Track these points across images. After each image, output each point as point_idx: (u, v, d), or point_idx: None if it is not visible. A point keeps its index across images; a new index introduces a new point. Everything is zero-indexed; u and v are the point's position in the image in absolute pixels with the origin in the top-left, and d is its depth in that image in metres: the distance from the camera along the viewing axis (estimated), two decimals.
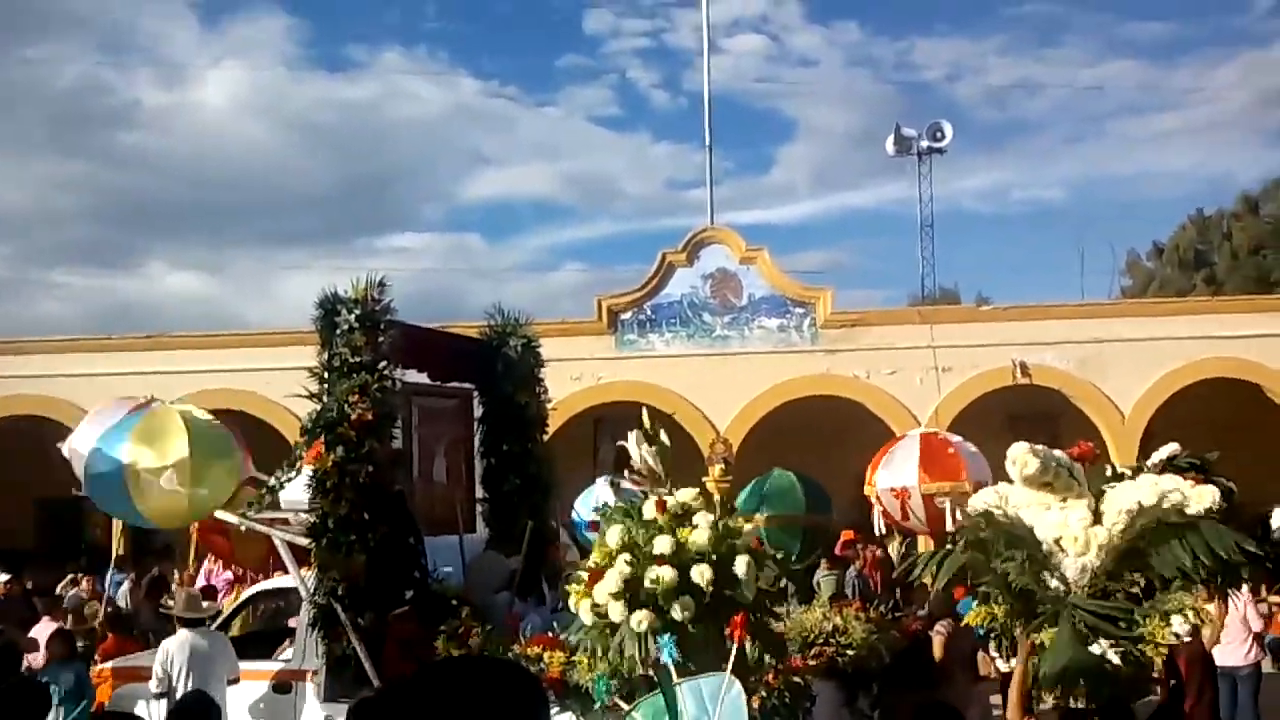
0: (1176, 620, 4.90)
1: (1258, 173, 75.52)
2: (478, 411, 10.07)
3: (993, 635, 5.74)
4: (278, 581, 9.94)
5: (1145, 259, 50.03)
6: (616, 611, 6.35)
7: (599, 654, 6.68)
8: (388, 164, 75.19)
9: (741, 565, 6.31)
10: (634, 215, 79.88)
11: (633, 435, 7.58)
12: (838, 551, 13.97)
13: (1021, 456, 5.19)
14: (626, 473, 8.59)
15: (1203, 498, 5.05)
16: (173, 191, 68.34)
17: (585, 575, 6.80)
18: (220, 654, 9.02)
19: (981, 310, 22.05)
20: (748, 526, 7.32)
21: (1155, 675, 5.26)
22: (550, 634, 7.87)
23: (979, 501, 5.56)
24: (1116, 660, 4.82)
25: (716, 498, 7.30)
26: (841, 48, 78.13)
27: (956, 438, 13.10)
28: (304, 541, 8.37)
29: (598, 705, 6.52)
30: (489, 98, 78.31)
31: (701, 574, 6.22)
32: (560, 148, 78.16)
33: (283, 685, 8.95)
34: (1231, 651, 10.31)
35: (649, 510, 6.74)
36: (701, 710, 5.04)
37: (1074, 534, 5.08)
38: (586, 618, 6.68)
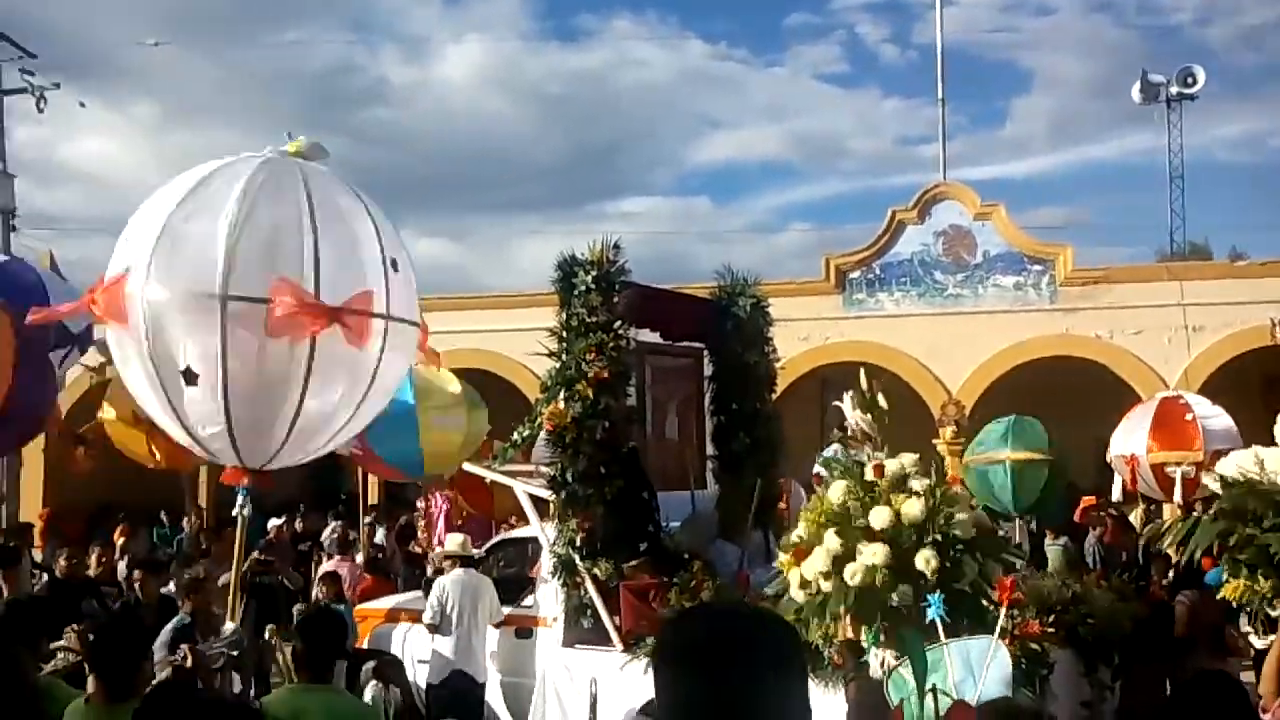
0: None
1: None
2: (708, 370, 10.23)
3: (1247, 609, 5.46)
4: (521, 531, 10.41)
5: None
6: (829, 587, 6.35)
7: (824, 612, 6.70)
8: (617, 130, 76.63)
9: (961, 529, 6.19)
10: (862, 173, 78.62)
11: (847, 396, 7.54)
12: (1077, 518, 13.55)
13: None
14: (838, 433, 8.59)
15: None
16: (419, 164, 71.52)
17: (794, 543, 6.81)
18: (488, 595, 9.55)
19: (1236, 266, 20.73)
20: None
21: None
22: None
23: (1232, 468, 5.28)
24: None
25: (948, 460, 7.17)
26: None
27: (1203, 403, 12.32)
28: (545, 494, 8.74)
29: (867, 657, 6.41)
30: (717, 60, 78.43)
31: (927, 562, 6.13)
32: (787, 108, 77.72)
33: (524, 630, 9.40)
34: None
35: (870, 472, 6.73)
36: (967, 672, 4.97)
37: None
38: (797, 594, 6.69)
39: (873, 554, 6.06)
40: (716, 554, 8.91)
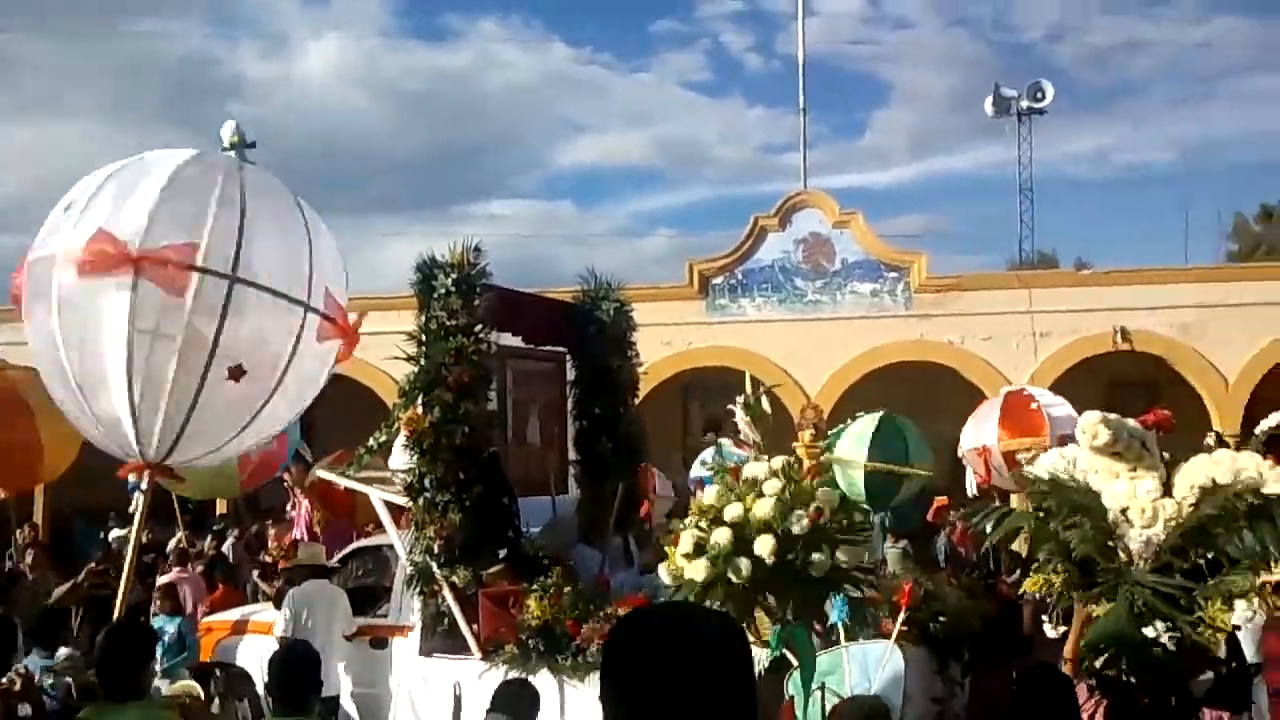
0: (1240, 605, 4.71)
1: None
2: (570, 374, 10.18)
3: (1048, 602, 5.64)
4: (377, 539, 10.20)
5: (1253, 222, 48.38)
6: (692, 570, 6.41)
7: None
8: (482, 132, 76.09)
9: (797, 526, 6.31)
10: (726, 181, 79.57)
11: (738, 400, 7.62)
12: (930, 518, 13.88)
13: (1092, 426, 5.05)
14: (727, 439, 8.66)
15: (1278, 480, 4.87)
16: (276, 161, 69.69)
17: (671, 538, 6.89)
18: (340, 606, 9.33)
19: (1081, 274, 21.58)
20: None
21: (1215, 657, 5.05)
22: (640, 593, 7.99)
23: (1045, 465, 5.44)
24: (1170, 645, 4.66)
25: (807, 464, 7.28)
26: (938, 8, 76.64)
27: (1045, 394, 12.68)
28: (402, 500, 8.57)
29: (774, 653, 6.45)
30: (582, 65, 78.61)
31: (764, 544, 6.24)
32: (653, 114, 78.28)
33: (379, 641, 9.20)
34: None
35: (749, 471, 6.80)
36: (864, 676, 5.00)
37: (1141, 505, 4.94)
38: (665, 577, 6.76)
39: (719, 536, 6.14)
40: (577, 558, 8.86)
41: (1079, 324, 19.26)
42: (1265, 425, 9.09)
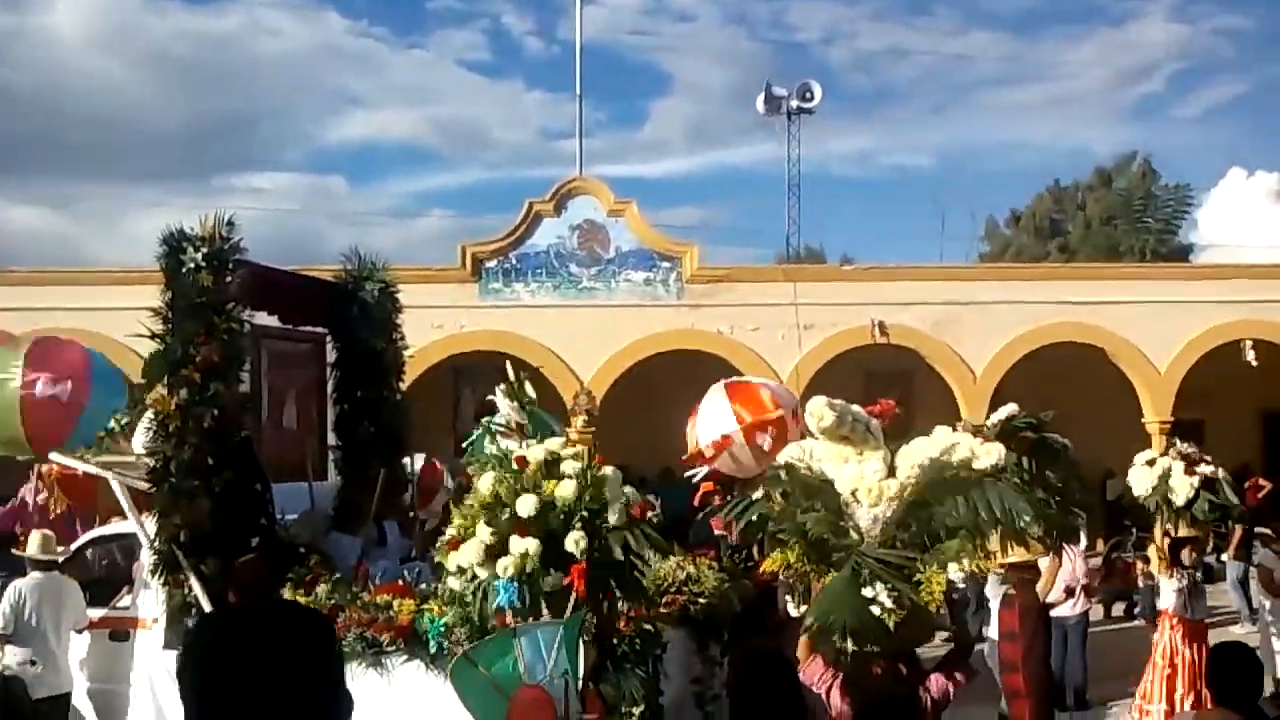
0: (952, 568, 5.08)
1: (1112, 147, 78.41)
2: (331, 357, 9.86)
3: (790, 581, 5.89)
4: (117, 527, 9.61)
5: (1004, 226, 51.56)
6: (485, 573, 6.22)
7: (449, 601, 6.62)
8: (249, 101, 73.08)
9: (614, 515, 6.12)
10: (505, 163, 79.15)
11: (500, 389, 7.49)
12: (695, 503, 14.12)
13: (819, 410, 5.33)
14: (487, 421, 8.52)
15: (989, 454, 5.25)
16: (13, 123, 65.01)
17: (450, 536, 6.64)
18: (70, 599, 8.78)
19: (843, 270, 22.49)
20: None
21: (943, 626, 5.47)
22: (401, 581, 7.80)
23: (784, 456, 5.71)
24: (888, 603, 4.96)
25: (579, 449, 7.18)
26: (718, 4, 78.39)
27: (753, 378, 12.35)
28: (144, 486, 8.11)
29: (432, 649, 6.48)
30: (357, 37, 76.63)
31: (576, 544, 6.03)
32: (430, 92, 77.03)
33: (119, 633, 8.69)
34: (1062, 603, 10.79)
35: (533, 455, 6.64)
36: (538, 657, 5.05)
37: (869, 485, 5.23)
38: (454, 582, 6.54)
39: (524, 545, 5.93)
40: (333, 546, 8.59)
41: (840, 317, 20.01)
42: (999, 415, 9.66)
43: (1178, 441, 12.37)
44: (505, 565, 5.97)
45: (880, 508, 5.23)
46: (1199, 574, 9.99)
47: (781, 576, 6.26)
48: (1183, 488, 9.68)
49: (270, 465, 8.58)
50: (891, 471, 5.30)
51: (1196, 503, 9.64)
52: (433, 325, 18.25)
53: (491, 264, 19.82)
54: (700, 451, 10.08)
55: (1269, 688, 10.86)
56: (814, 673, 5.30)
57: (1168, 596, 9.99)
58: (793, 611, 7.37)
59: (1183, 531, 9.96)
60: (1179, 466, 9.77)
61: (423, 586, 7.53)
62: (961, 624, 5.59)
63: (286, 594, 7.55)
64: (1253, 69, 72.06)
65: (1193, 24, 72.78)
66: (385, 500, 9.33)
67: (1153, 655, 9.95)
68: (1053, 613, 10.20)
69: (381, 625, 7.04)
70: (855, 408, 5.51)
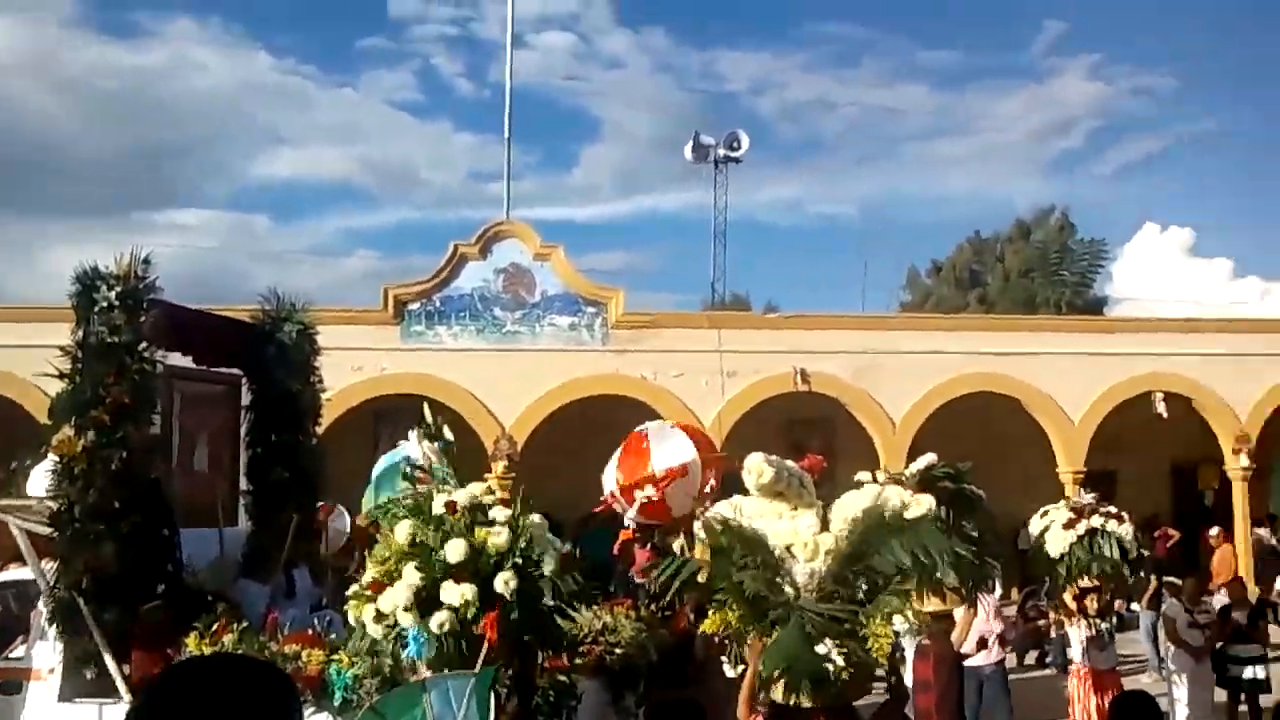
0: (898, 620, 5.11)
1: (1031, 200, 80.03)
2: (246, 399, 9.67)
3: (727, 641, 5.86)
4: (14, 573, 9.31)
5: (925, 276, 52.48)
6: (409, 621, 6.06)
7: (360, 652, 6.48)
8: (173, 137, 71.88)
9: (550, 563, 6.01)
10: (434, 204, 78.56)
11: (413, 433, 7.34)
12: (616, 551, 14.05)
13: (757, 466, 5.35)
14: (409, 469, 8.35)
15: (920, 504, 5.30)
16: None
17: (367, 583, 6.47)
18: None
19: (766, 317, 22.66)
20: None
21: (880, 675, 5.48)
22: (310, 631, 7.63)
23: (715, 513, 5.71)
24: (840, 660, 4.97)
25: (499, 495, 7.09)
26: (650, 53, 79.20)
27: (659, 428, 11.94)
28: (45, 530, 7.86)
29: (338, 700, 6.33)
30: (284, 75, 75.88)
31: (506, 583, 5.91)
32: (358, 131, 76.43)
33: (10, 685, 8.38)
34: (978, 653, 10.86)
35: (439, 507, 6.50)
36: (447, 709, 4.96)
37: (804, 540, 5.24)
38: (374, 629, 6.34)
39: (460, 594, 5.76)
40: (241, 594, 8.38)
41: (763, 364, 20.12)
42: (917, 465, 9.78)
43: (1082, 492, 12.69)
44: (441, 620, 5.79)
45: (817, 562, 5.23)
46: (1102, 623, 10.13)
47: (717, 638, 6.19)
48: (1057, 541, 9.90)
49: (179, 509, 8.39)
50: (825, 526, 5.31)
51: (1069, 555, 9.86)
52: (353, 368, 18.02)
53: (414, 306, 19.64)
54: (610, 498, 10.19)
55: None
56: None
57: (1075, 646, 10.18)
58: (729, 672, 7.28)
59: (1085, 582, 10.14)
60: (1060, 519, 10.04)
61: (333, 636, 7.38)
62: (898, 675, 5.60)
63: (191, 644, 7.35)
64: (1166, 128, 74.34)
65: (1110, 83, 74.90)
66: (296, 547, 9.15)
67: (1070, 707, 10.12)
68: (967, 663, 10.29)
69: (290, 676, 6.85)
70: (790, 464, 5.52)
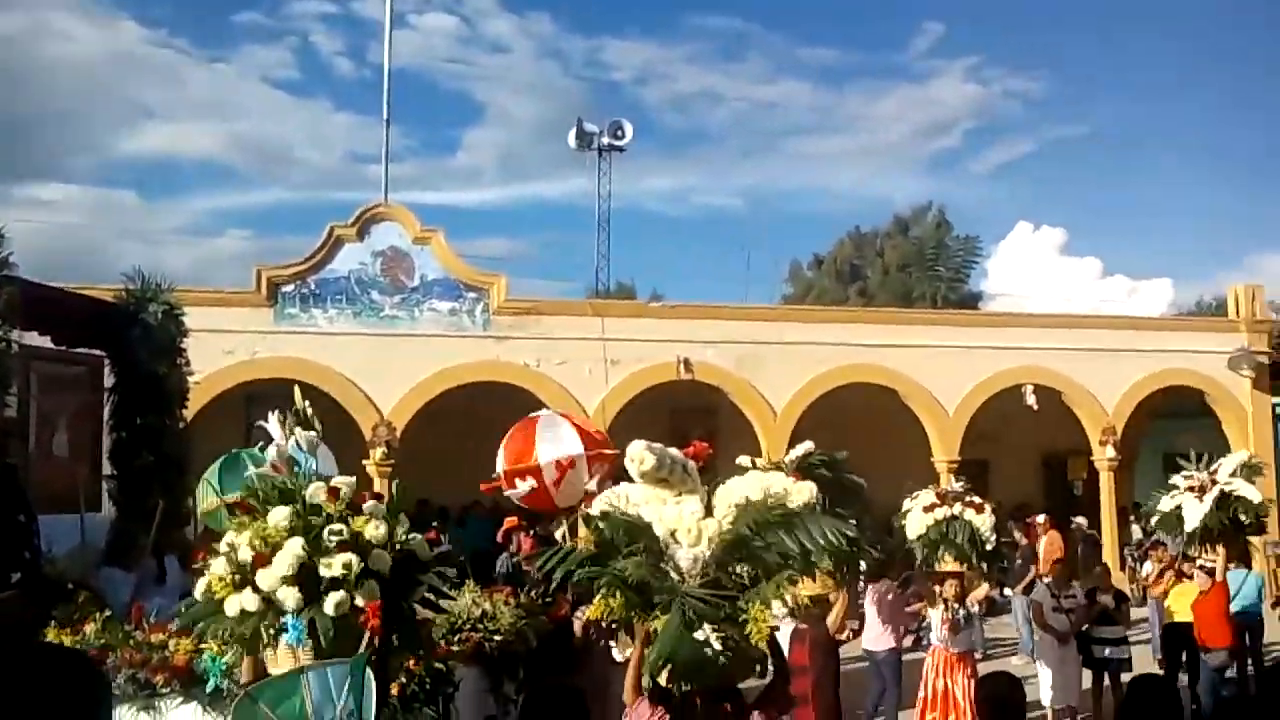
0: (776, 605, 5.13)
1: (910, 197, 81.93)
2: (109, 381, 9.30)
3: (612, 626, 5.83)
4: None
5: (806, 269, 53.30)
6: (290, 597, 5.83)
7: (229, 639, 6.24)
8: (32, 107, 68.84)
9: (422, 550, 5.86)
10: (310, 185, 76.88)
11: (273, 416, 6.89)
12: (499, 538, 13.93)
13: (639, 453, 5.33)
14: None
15: (802, 493, 5.33)
16: None
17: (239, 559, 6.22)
18: None
19: (650, 306, 22.66)
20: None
21: (762, 658, 5.51)
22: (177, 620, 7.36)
23: (601, 502, 5.69)
24: (718, 645, 4.98)
25: (378, 481, 6.90)
26: (534, 38, 78.77)
27: (554, 417, 11.81)
28: None
29: (210, 689, 6.13)
30: (155, 47, 73.45)
31: (381, 559, 5.74)
32: (232, 107, 74.31)
33: None
34: (872, 639, 11.08)
35: (317, 496, 6.26)
36: (327, 697, 4.80)
37: (687, 526, 5.23)
38: (250, 602, 6.09)
39: (341, 563, 5.53)
40: (104, 582, 8.05)
41: (647, 353, 20.15)
42: (795, 453, 9.92)
43: (954, 480, 13.07)
44: (338, 599, 5.57)
45: (700, 547, 5.22)
46: (960, 608, 10.37)
47: (604, 623, 6.15)
48: (915, 523, 10.43)
49: (37, 495, 8.01)
50: (709, 511, 5.30)
51: (925, 537, 10.36)
52: (224, 350, 17.51)
53: (289, 288, 19.13)
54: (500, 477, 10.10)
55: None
56: (641, 714, 5.26)
57: (934, 629, 10.49)
58: (617, 656, 7.25)
59: (945, 567, 10.44)
60: (919, 504, 10.54)
61: (200, 625, 7.11)
62: (779, 654, 5.63)
63: (51, 634, 7.03)
64: (1039, 130, 76.69)
65: (986, 86, 76.99)
66: (168, 535, 8.83)
67: (919, 688, 10.44)
68: (863, 647, 10.55)
69: (156, 666, 6.68)
70: (674, 451, 5.49)
